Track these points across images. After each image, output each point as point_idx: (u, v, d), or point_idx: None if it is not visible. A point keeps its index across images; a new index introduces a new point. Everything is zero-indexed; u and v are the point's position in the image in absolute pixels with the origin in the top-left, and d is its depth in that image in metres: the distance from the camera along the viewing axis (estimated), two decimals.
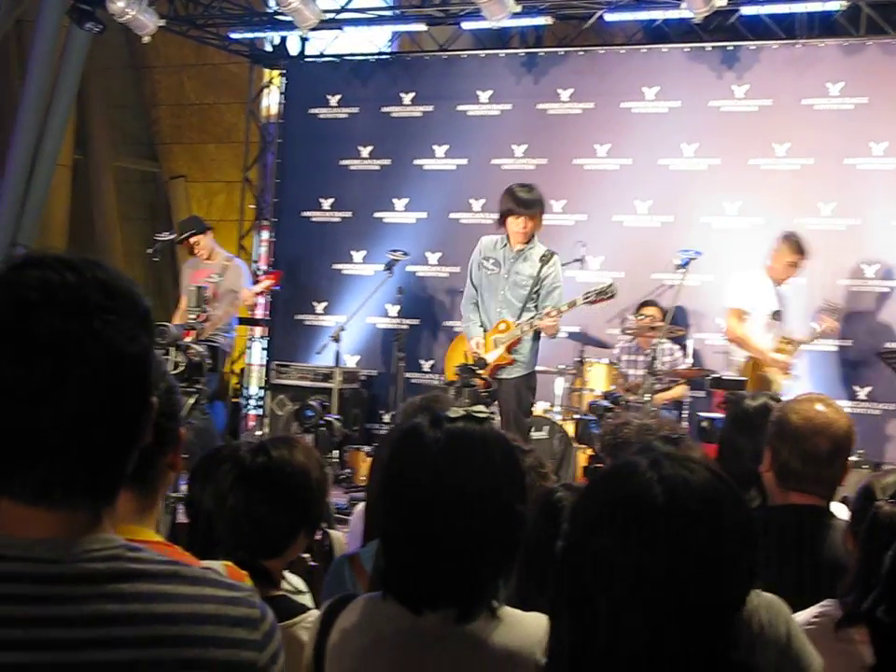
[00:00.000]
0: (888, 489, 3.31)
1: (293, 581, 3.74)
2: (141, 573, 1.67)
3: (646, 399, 9.61)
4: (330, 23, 12.67)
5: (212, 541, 3.56)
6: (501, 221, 9.22)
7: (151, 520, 3.07)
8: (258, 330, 14.11)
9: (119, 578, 1.65)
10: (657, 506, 1.86)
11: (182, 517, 4.64)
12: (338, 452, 7.07)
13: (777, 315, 10.03)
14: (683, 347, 11.04)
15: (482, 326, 9.16)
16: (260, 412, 13.26)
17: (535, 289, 9.11)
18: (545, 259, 9.14)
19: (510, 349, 9.05)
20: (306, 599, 3.74)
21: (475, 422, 2.68)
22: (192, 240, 11.36)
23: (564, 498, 3.16)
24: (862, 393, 10.99)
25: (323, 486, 3.66)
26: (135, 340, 1.67)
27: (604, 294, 9.26)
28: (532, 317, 9.06)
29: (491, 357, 8.80)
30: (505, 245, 9.20)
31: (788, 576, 3.74)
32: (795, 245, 10.04)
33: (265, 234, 14.21)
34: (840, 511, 4.11)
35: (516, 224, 9.07)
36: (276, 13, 12.55)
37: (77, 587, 1.63)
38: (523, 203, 9.07)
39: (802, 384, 10.04)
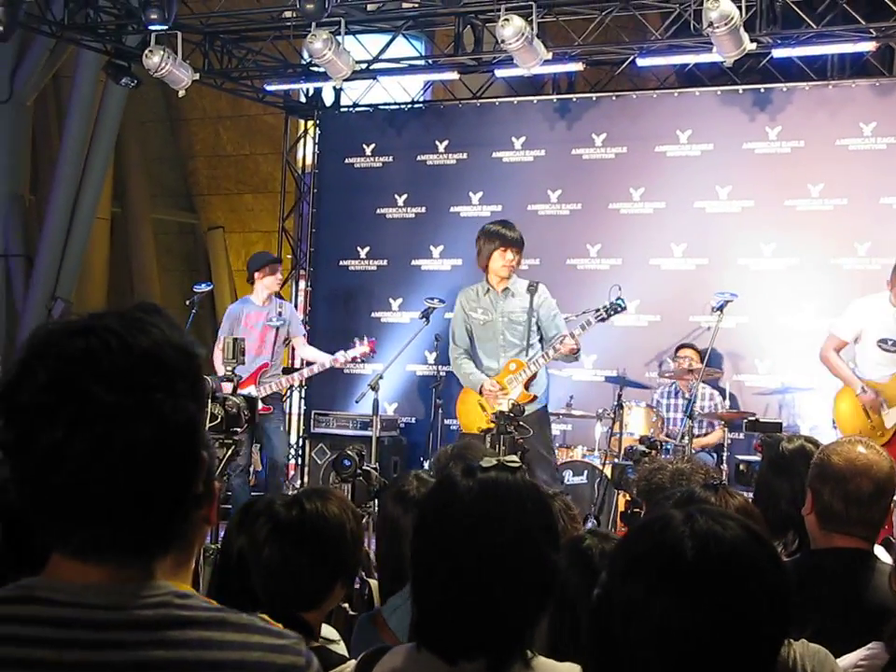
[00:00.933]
0: None
1: (324, 630, 3.75)
2: (190, 620, 1.69)
3: (685, 442, 9.60)
4: (364, 73, 12.75)
5: (244, 594, 3.57)
6: (485, 262, 9.26)
7: (187, 574, 3.07)
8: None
9: (168, 625, 1.67)
10: (687, 560, 1.88)
11: None
12: (376, 500, 7.07)
13: (884, 344, 9.29)
14: (722, 390, 11.02)
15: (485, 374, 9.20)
16: (300, 461, 13.27)
17: (532, 321, 9.15)
18: (532, 290, 9.20)
19: (527, 386, 9.06)
20: (340, 648, 3.75)
21: (507, 471, 2.68)
22: (280, 274, 11.40)
23: (592, 546, 3.16)
24: None
25: (358, 537, 3.67)
26: (182, 409, 1.69)
27: (614, 308, 9.23)
28: (539, 351, 9.12)
29: (514, 396, 8.78)
30: (488, 290, 9.27)
31: (833, 620, 3.72)
32: None
33: (302, 284, 14.25)
34: (882, 553, 4.07)
35: (504, 258, 9.15)
36: (310, 64, 12.64)
37: (127, 633, 1.65)
38: (511, 239, 9.21)
39: None
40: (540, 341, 9.22)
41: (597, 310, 9.26)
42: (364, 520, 5.35)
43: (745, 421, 9.52)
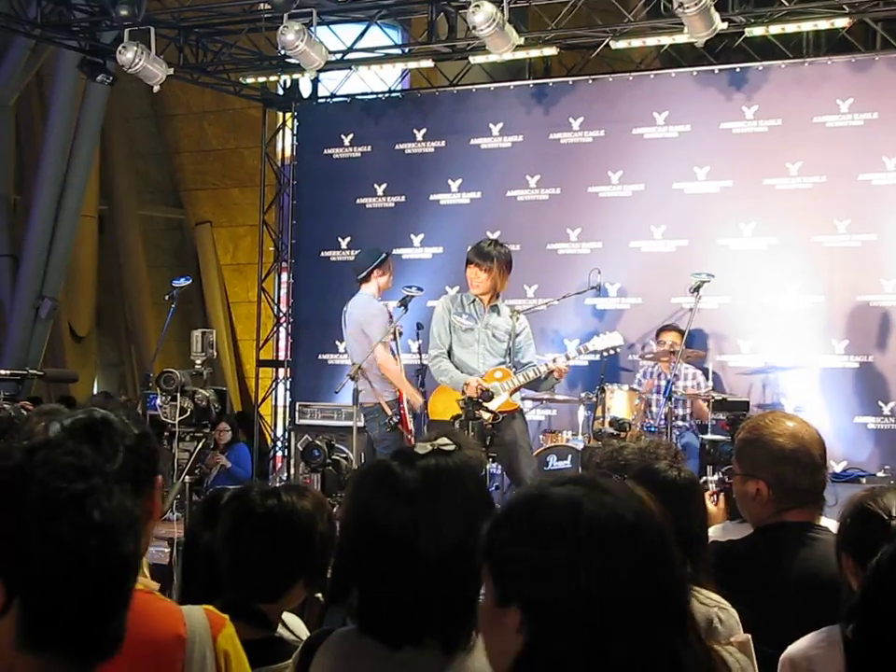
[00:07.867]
0: (891, 507, 3.19)
1: (290, 621, 3.73)
2: None
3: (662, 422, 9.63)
4: (339, 64, 12.73)
5: (208, 584, 3.56)
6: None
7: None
8: (281, 371, 14.11)
9: None
10: (573, 532, 1.87)
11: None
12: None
13: None
14: (706, 371, 10.99)
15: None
16: (286, 452, 13.25)
17: (511, 345, 9.36)
18: (515, 316, 9.42)
19: (511, 394, 9.22)
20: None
21: (445, 455, 2.67)
22: None
23: None
24: (887, 408, 10.91)
25: (329, 540, 3.60)
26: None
27: (611, 350, 9.67)
28: (528, 365, 9.34)
29: (495, 404, 8.79)
30: (473, 301, 9.40)
31: (787, 594, 3.74)
32: None
33: (285, 276, 14.23)
34: (831, 525, 4.04)
35: (470, 273, 9.37)
36: (285, 56, 12.59)
37: None
38: (478, 254, 9.34)
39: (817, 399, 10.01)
40: (511, 361, 9.37)
41: (594, 343, 9.62)
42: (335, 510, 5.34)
43: (712, 401, 9.52)
